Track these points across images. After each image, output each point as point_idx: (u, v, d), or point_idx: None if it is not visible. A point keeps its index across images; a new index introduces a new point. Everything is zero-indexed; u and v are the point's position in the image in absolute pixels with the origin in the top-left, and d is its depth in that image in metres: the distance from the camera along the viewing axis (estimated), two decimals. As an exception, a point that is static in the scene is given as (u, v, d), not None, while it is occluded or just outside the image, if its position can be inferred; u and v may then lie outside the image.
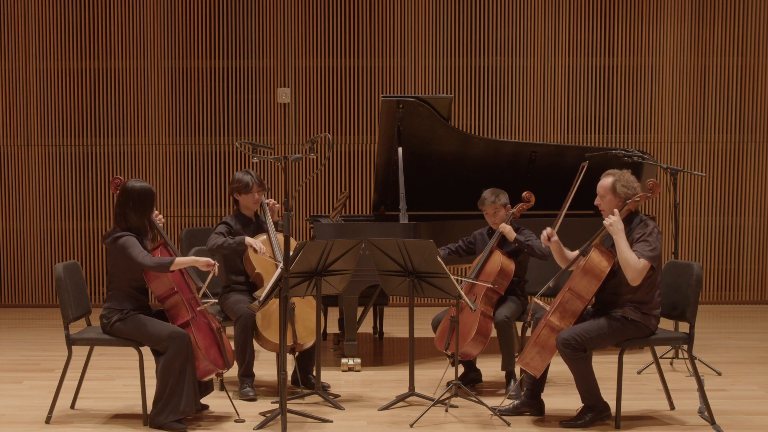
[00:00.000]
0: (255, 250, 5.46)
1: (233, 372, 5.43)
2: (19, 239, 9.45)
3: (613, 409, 4.84)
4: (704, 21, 9.39)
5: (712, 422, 4.87)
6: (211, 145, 9.41)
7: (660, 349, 5.95)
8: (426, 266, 5.15)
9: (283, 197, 4.82)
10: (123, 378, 6.07)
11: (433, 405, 5.11)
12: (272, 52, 9.37)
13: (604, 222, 4.74)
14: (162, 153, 9.40)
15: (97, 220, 9.42)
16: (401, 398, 5.36)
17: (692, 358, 5.01)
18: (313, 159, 8.75)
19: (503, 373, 5.66)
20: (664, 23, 9.38)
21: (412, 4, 9.34)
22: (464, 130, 9.07)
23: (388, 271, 5.32)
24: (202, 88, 9.38)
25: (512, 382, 5.55)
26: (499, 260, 5.53)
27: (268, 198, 5.84)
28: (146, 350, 4.94)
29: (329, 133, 9.23)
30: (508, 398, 5.29)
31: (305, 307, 5.54)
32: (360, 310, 6.56)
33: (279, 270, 4.89)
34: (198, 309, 4.95)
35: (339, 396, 5.53)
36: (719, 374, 6.12)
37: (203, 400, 5.10)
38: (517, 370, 5.47)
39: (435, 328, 5.69)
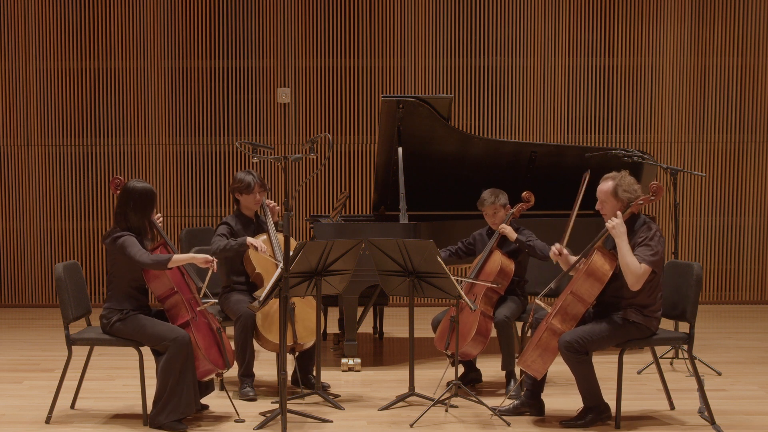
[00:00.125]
0: (256, 248, 5.46)
1: (233, 372, 5.43)
2: (19, 239, 9.45)
3: (613, 410, 4.84)
4: (704, 21, 9.39)
5: (712, 422, 4.87)
6: (211, 145, 9.41)
7: (660, 349, 5.95)
8: (426, 266, 5.15)
9: (283, 197, 4.82)
10: (123, 378, 6.07)
11: (433, 405, 5.11)
12: (272, 52, 9.37)
13: (607, 225, 4.71)
14: (162, 153, 9.40)
15: (97, 220, 9.42)
16: (401, 398, 5.36)
17: (692, 358, 5.01)
18: (313, 159, 8.75)
19: (503, 373, 5.66)
20: (664, 23, 9.38)
21: (412, 4, 9.34)
22: (464, 130, 9.07)
23: (388, 271, 5.32)
24: (202, 88, 9.38)
25: (512, 382, 5.55)
26: (498, 260, 5.53)
27: (268, 199, 5.84)
28: (146, 350, 4.94)
29: (329, 133, 9.23)
30: (508, 398, 5.29)
31: (305, 307, 5.54)
32: (360, 310, 6.56)
33: (279, 270, 4.89)
34: (198, 309, 4.95)
35: (339, 396, 5.53)
36: (719, 374, 6.12)
37: (203, 400, 5.10)
38: (517, 370, 5.47)
39: (435, 328, 5.69)
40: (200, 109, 9.39)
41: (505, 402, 5.18)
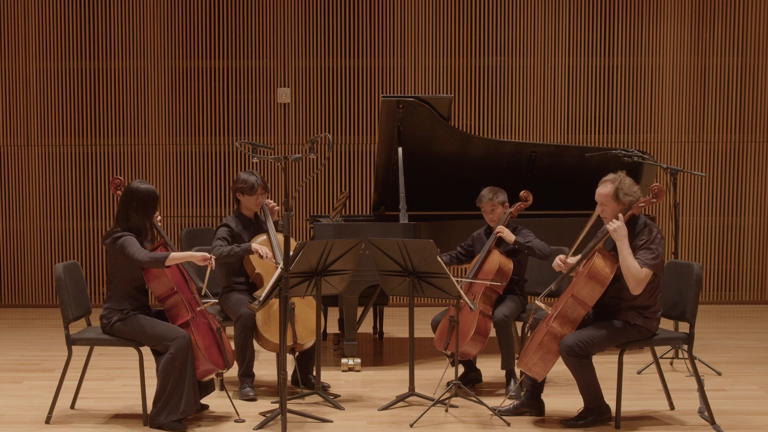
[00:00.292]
0: (261, 256, 5.46)
1: (233, 372, 5.43)
2: (19, 239, 9.45)
3: (613, 410, 4.84)
4: (704, 21, 9.39)
5: (712, 422, 4.87)
6: (211, 145, 9.41)
7: (660, 349, 5.95)
8: (426, 266, 5.15)
9: (283, 197, 4.82)
10: (123, 378, 6.07)
11: (433, 405, 5.11)
12: (272, 52, 9.37)
13: (608, 227, 4.69)
14: (162, 153, 9.40)
15: (97, 220, 9.42)
16: (401, 398, 5.36)
17: (692, 358, 5.01)
18: (313, 159, 8.75)
19: (503, 373, 5.66)
20: (664, 23, 9.38)
21: (412, 4, 9.34)
22: (464, 130, 9.07)
23: (388, 271, 5.32)
24: (202, 88, 9.38)
25: (512, 382, 5.55)
26: (497, 259, 5.53)
27: (268, 199, 5.84)
28: (146, 350, 4.94)
29: (329, 133, 9.23)
30: (508, 398, 5.29)
31: (305, 307, 5.54)
32: (360, 310, 6.55)
33: (279, 270, 4.89)
34: (198, 309, 4.95)
35: (339, 396, 5.53)
36: (719, 374, 6.12)
37: (203, 400, 5.10)
38: (517, 370, 5.47)
39: (434, 328, 5.69)
40: (200, 109, 9.39)
41: (505, 402, 5.17)
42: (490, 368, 6.01)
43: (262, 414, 5.06)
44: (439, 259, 5.05)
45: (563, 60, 9.40)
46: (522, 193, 5.71)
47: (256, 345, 5.56)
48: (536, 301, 4.95)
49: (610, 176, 4.81)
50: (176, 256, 4.83)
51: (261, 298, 4.95)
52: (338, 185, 9.43)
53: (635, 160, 6.42)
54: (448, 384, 5.30)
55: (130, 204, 4.90)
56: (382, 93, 9.25)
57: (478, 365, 5.83)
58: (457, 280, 5.09)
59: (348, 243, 5.15)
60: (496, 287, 5.51)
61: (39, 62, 9.32)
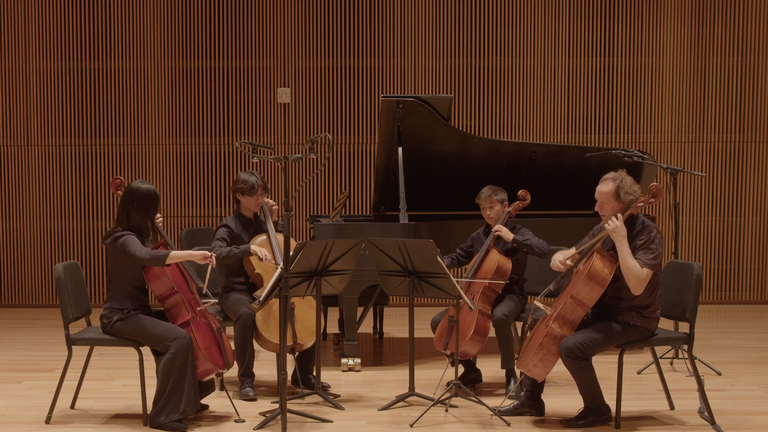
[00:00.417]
0: (260, 259, 5.46)
1: (233, 372, 5.43)
2: (19, 239, 9.45)
3: (613, 410, 4.84)
4: (704, 21, 9.39)
5: (712, 422, 4.87)
6: (211, 145, 9.41)
7: (660, 349, 5.95)
8: (426, 266, 5.15)
9: (283, 197, 4.82)
10: (123, 378, 6.07)
11: (433, 405, 5.11)
12: (272, 52, 9.37)
13: (607, 227, 4.68)
14: (162, 153, 9.40)
15: (97, 220, 9.42)
16: (401, 398, 5.36)
17: (692, 358, 5.00)
18: (313, 159, 8.76)
19: (503, 373, 5.66)
20: (664, 23, 9.38)
21: (412, 4, 9.34)
22: (464, 130, 9.07)
23: (388, 271, 5.32)
24: (202, 88, 9.38)
25: (512, 381, 5.55)
26: (495, 259, 5.53)
27: (268, 200, 5.83)
28: (146, 350, 4.94)
29: (329, 133, 9.23)
30: (508, 398, 5.29)
31: (305, 307, 5.54)
32: (360, 310, 6.55)
33: (279, 270, 4.89)
34: (198, 309, 4.95)
35: (339, 396, 5.53)
36: (719, 374, 6.12)
37: (203, 400, 5.10)
38: (517, 370, 5.47)
39: (434, 328, 5.68)
40: (200, 109, 9.39)
41: (505, 402, 5.17)
42: (490, 368, 6.01)
43: (262, 414, 5.06)
44: (439, 259, 5.05)
45: (563, 60, 9.40)
46: (520, 192, 5.71)
47: (256, 345, 5.56)
48: (535, 302, 4.95)
49: (611, 174, 4.80)
50: (177, 255, 4.83)
51: (261, 298, 4.96)
52: (338, 185, 9.43)
53: (635, 160, 6.42)
54: (448, 384, 5.30)
55: (131, 204, 4.91)
56: (382, 93, 9.25)
57: (478, 365, 5.83)
58: (456, 280, 5.10)
59: (348, 243, 5.15)
60: (494, 286, 5.51)
61: (39, 62, 9.32)
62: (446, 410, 5.17)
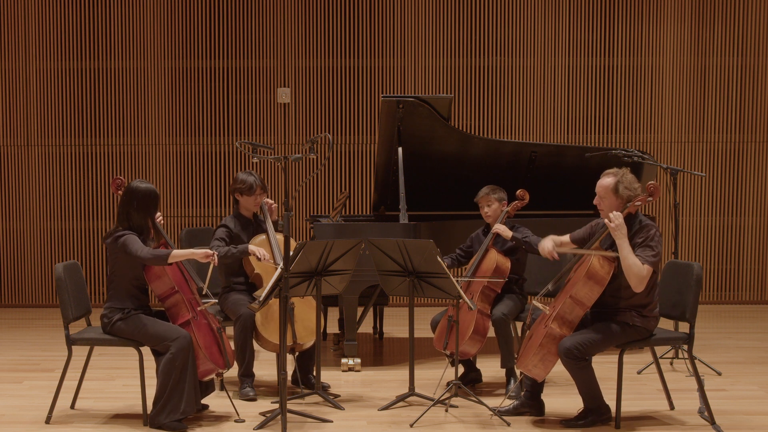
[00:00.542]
0: (258, 259, 5.46)
1: (233, 372, 5.43)
2: (19, 239, 9.45)
3: (613, 410, 4.84)
4: (704, 21, 9.39)
5: (712, 422, 4.87)
6: (211, 145, 9.41)
7: (660, 349, 5.95)
8: (426, 266, 5.15)
9: (283, 197, 4.82)
10: (123, 378, 6.07)
11: (433, 405, 5.11)
12: (272, 52, 9.37)
13: (609, 226, 4.68)
14: (162, 153, 9.40)
15: (97, 220, 9.42)
16: (401, 398, 5.36)
17: (692, 358, 5.00)
18: (313, 159, 8.75)
19: (503, 373, 5.66)
20: (664, 23, 9.38)
21: (412, 4, 9.34)
22: (464, 130, 9.07)
23: (388, 271, 5.32)
24: (202, 88, 9.38)
25: (512, 381, 5.55)
26: (494, 258, 5.53)
27: (267, 199, 5.83)
28: (146, 350, 4.94)
29: (329, 133, 9.23)
30: (508, 398, 5.29)
31: (304, 307, 5.53)
32: (360, 310, 6.55)
33: (279, 270, 4.89)
34: (198, 309, 4.95)
35: (339, 396, 5.53)
36: (719, 374, 6.12)
37: (203, 400, 5.10)
38: (517, 370, 5.47)
39: (434, 328, 5.69)
40: (200, 109, 9.39)
41: (504, 402, 5.17)
42: (490, 368, 6.01)
43: (262, 414, 5.06)
44: (439, 258, 5.05)
45: (563, 60, 9.40)
46: (518, 191, 5.71)
47: (255, 345, 5.56)
48: (534, 301, 4.96)
49: (614, 170, 4.84)
50: (179, 254, 4.83)
51: (261, 298, 4.96)
52: (338, 185, 9.43)
53: (635, 160, 6.43)
54: (448, 384, 5.30)
55: (131, 203, 4.91)
56: (382, 93, 9.25)
57: (478, 365, 5.83)
58: (456, 280, 5.10)
59: (348, 243, 5.15)
60: (493, 286, 5.51)
61: (39, 62, 9.32)
62: (446, 410, 5.17)
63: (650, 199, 4.74)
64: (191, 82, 9.36)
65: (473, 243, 5.90)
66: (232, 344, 5.28)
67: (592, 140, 9.40)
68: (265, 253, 5.47)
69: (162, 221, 5.15)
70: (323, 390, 5.47)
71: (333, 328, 7.51)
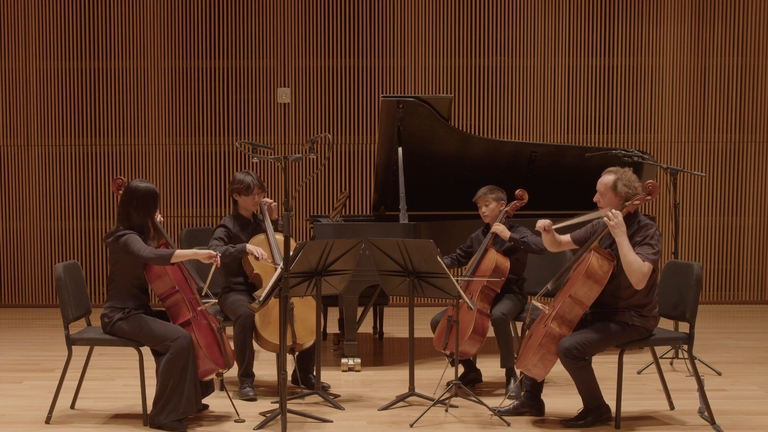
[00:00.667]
0: (256, 258, 5.45)
1: (233, 372, 5.43)
2: (19, 239, 9.45)
3: (613, 410, 4.84)
4: (704, 21, 9.39)
5: (712, 422, 4.87)
6: (211, 145, 9.41)
7: (660, 349, 5.95)
8: (426, 266, 5.15)
9: (283, 197, 4.82)
10: (123, 378, 6.07)
11: (433, 405, 5.11)
12: (272, 52, 9.37)
13: (608, 224, 4.68)
14: (162, 153, 9.40)
15: (97, 220, 9.42)
16: (401, 398, 5.36)
17: (692, 358, 5.00)
18: (313, 159, 8.75)
19: (503, 373, 5.66)
20: (664, 23, 9.38)
21: (412, 4, 9.34)
22: (464, 130, 9.07)
23: (388, 271, 5.32)
24: (202, 88, 9.38)
25: (512, 381, 5.55)
26: (493, 258, 5.54)
27: (266, 198, 5.83)
28: (146, 350, 4.94)
29: (329, 133, 9.23)
30: (508, 398, 5.29)
31: (304, 307, 5.53)
32: (360, 310, 6.55)
33: (279, 270, 4.89)
34: (198, 309, 4.95)
35: (339, 396, 5.53)
36: (719, 374, 6.12)
37: (203, 400, 5.10)
38: (517, 370, 5.47)
39: (434, 328, 5.69)
40: (200, 109, 9.39)
41: (504, 402, 5.17)
42: (490, 368, 6.01)
43: (262, 414, 5.06)
44: (439, 258, 5.05)
45: (563, 60, 9.40)
46: (517, 191, 5.72)
47: (255, 345, 5.55)
48: (533, 301, 4.96)
49: (615, 168, 4.87)
50: (182, 254, 4.84)
51: (261, 298, 4.95)
52: (338, 185, 9.43)
53: (635, 160, 6.43)
54: (448, 384, 5.30)
55: (131, 203, 4.91)
56: (382, 93, 9.25)
57: (478, 365, 5.83)
58: (456, 280, 5.10)
59: (348, 243, 5.15)
60: (493, 285, 5.51)
61: (39, 62, 9.32)
62: (446, 410, 5.17)
63: (649, 198, 4.75)
64: (191, 82, 9.36)
65: (473, 243, 5.91)
66: (231, 344, 5.28)
67: (592, 140, 9.40)
68: (262, 252, 5.47)
69: (162, 221, 5.15)
70: (323, 390, 5.47)
71: (333, 328, 7.51)
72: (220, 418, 5.03)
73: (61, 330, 5.11)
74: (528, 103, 9.44)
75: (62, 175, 9.39)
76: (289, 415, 4.77)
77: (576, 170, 7.01)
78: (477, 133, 9.26)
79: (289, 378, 5.53)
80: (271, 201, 5.81)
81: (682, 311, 4.93)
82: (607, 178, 4.82)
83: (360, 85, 9.41)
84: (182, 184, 9.41)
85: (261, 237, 5.67)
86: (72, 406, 5.26)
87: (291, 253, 4.82)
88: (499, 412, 5.02)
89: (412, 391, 5.35)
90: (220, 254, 5.42)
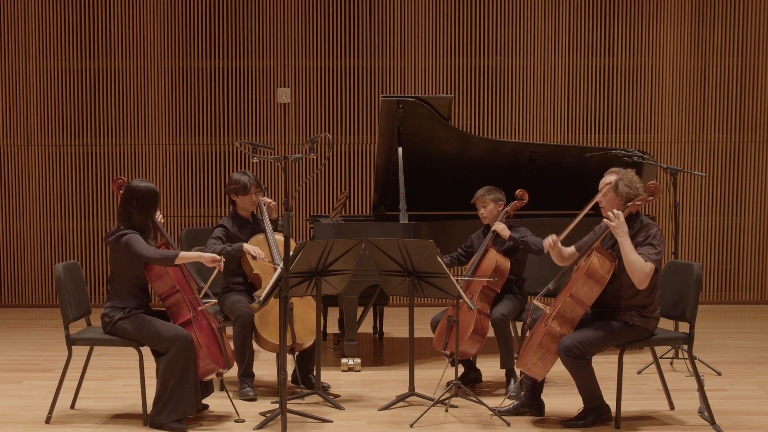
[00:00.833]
0: (253, 257, 5.45)
1: (233, 372, 5.43)
2: (19, 239, 9.45)
3: (613, 410, 4.84)
4: (704, 21, 9.39)
5: (712, 422, 4.87)
6: (211, 145, 9.41)
7: (660, 349, 5.95)
8: (426, 266, 5.15)
9: (283, 197, 4.82)
10: (123, 378, 6.07)
11: (433, 405, 5.11)
12: (272, 52, 9.38)
13: (610, 225, 4.67)
14: (162, 153, 9.40)
15: (97, 220, 9.42)
16: (401, 398, 5.36)
17: (692, 358, 5.01)
18: (313, 159, 8.75)
19: (503, 373, 5.66)
20: (664, 23, 9.38)
21: (412, 4, 9.34)
22: (464, 130, 9.07)
23: (388, 271, 5.32)
24: (202, 88, 9.38)
25: (512, 381, 5.55)
26: (494, 258, 5.54)
27: (266, 197, 5.82)
28: (146, 350, 4.94)
29: (329, 133, 9.23)
30: (508, 398, 5.29)
31: (304, 307, 5.53)
32: (360, 310, 6.55)
33: (279, 270, 4.88)
34: (199, 309, 4.95)
35: (339, 396, 5.53)
36: (719, 374, 6.12)
37: (203, 400, 5.09)
38: (517, 370, 5.47)
39: (434, 328, 5.69)
40: (200, 109, 9.39)
41: (504, 402, 5.17)
42: (490, 368, 6.01)
43: (262, 414, 5.06)
44: (439, 258, 5.05)
45: (563, 60, 9.41)
46: (517, 191, 5.72)
47: (255, 345, 5.55)
48: (534, 301, 4.96)
49: (618, 168, 4.88)
50: (186, 255, 4.84)
51: (261, 298, 4.95)
52: (338, 185, 9.43)
53: (635, 160, 6.43)
54: (448, 384, 5.30)
55: (131, 203, 4.91)
56: (382, 93, 9.25)
57: (478, 365, 5.83)
58: (456, 279, 5.10)
59: (348, 243, 5.15)
60: (493, 286, 5.51)
61: (39, 62, 9.32)
62: (446, 410, 5.17)
63: (651, 198, 4.75)
64: (191, 82, 9.37)
65: (474, 243, 5.91)
66: (231, 344, 5.27)
67: (592, 140, 9.40)
68: (260, 251, 5.46)
69: (162, 221, 5.15)
70: (323, 390, 5.47)
71: (333, 328, 7.51)
72: (220, 418, 5.03)
73: (61, 330, 5.11)
74: (528, 103, 9.44)
75: (62, 175, 9.39)
76: (289, 415, 4.77)
77: (576, 170, 7.01)
78: (477, 133, 9.26)
79: (289, 378, 5.53)
80: (271, 201, 5.81)
81: (682, 311, 4.93)
82: (608, 178, 4.84)
83: (360, 85, 9.41)
84: (182, 184, 9.41)
85: (260, 237, 5.67)
86: (72, 406, 5.26)
87: (291, 253, 4.81)
88: (499, 412, 5.02)
89: (412, 391, 5.35)
90: (217, 252, 5.44)
